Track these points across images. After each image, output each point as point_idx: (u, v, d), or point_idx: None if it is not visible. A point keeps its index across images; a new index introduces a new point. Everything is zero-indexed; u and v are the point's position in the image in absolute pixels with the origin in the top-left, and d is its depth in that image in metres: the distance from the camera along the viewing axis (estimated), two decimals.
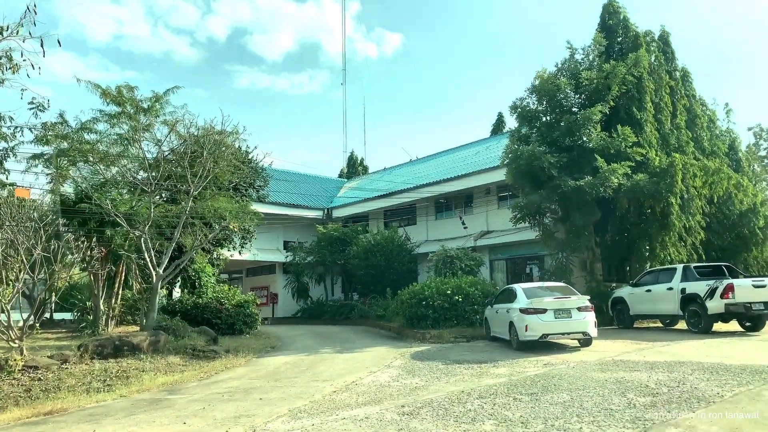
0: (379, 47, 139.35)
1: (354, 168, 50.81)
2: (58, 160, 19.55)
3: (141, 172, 20.81)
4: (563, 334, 13.61)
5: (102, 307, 18.34)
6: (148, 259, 16.47)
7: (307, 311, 31.06)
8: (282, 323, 28.27)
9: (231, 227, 18.69)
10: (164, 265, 16.90)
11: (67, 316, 23.06)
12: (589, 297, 14.46)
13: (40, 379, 12.97)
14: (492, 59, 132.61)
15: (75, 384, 12.82)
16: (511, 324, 14.18)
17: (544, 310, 13.47)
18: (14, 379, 12.90)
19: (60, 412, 10.25)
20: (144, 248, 16.48)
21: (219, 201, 19.29)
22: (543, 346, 13.98)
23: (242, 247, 24.78)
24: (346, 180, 45.04)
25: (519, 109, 22.58)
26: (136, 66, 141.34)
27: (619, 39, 24.18)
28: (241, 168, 21.64)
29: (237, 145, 20.68)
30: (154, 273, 16.61)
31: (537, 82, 22.21)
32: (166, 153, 19.38)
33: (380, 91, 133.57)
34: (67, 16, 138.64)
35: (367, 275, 26.07)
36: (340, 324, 26.00)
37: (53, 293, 20.92)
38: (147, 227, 16.39)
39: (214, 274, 23.69)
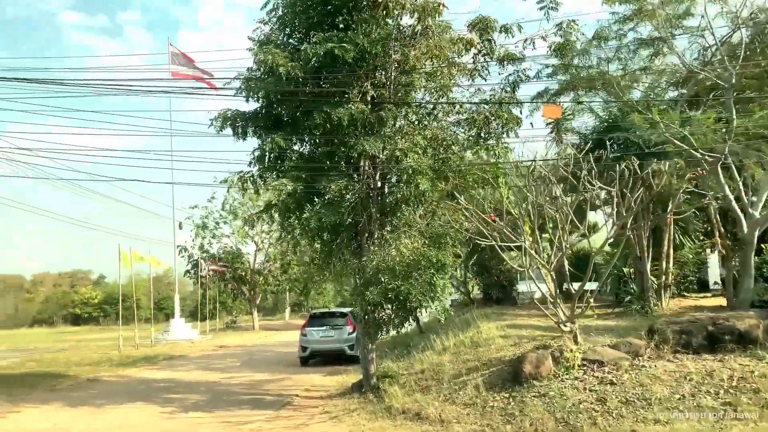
0: None
1: None
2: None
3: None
4: None
5: (648, 273, 13.33)
6: (730, 195, 10.40)
7: None
8: None
9: None
10: (761, 205, 10.50)
11: (588, 285, 19.11)
12: None
13: (612, 383, 8.58)
14: None
15: (668, 395, 7.94)
16: None
17: None
18: (575, 378, 8.89)
19: None
20: (720, 179, 10.47)
21: None
22: None
23: None
24: None
25: None
26: None
27: None
28: None
29: None
30: (742, 217, 10.45)
31: None
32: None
33: None
34: None
35: None
36: None
37: (574, 257, 17.09)
38: (729, 141, 10.22)
39: None
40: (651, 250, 13.69)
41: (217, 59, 35.52)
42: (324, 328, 16.73)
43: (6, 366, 18.89)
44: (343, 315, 17.31)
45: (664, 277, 13.58)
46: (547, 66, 15.22)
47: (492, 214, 9.23)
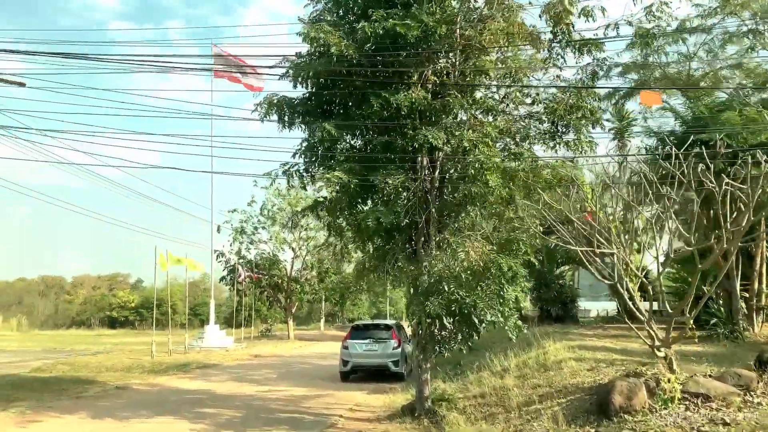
0: None
1: None
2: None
3: None
4: None
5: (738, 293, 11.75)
6: None
7: None
8: None
9: None
10: None
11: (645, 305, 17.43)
12: None
13: (724, 423, 7.10)
14: None
15: None
16: None
17: None
18: (677, 415, 7.44)
19: None
20: None
21: None
22: None
23: None
24: None
25: None
26: None
27: None
28: None
29: None
30: None
31: None
32: None
33: None
34: None
35: None
36: None
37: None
38: None
39: None
40: (740, 267, 12.11)
41: (259, 53, 34.06)
42: (367, 341, 15.46)
43: (38, 368, 18.27)
44: (388, 328, 16.03)
45: (756, 298, 11.96)
46: (618, 64, 13.93)
47: (587, 214, 7.89)
